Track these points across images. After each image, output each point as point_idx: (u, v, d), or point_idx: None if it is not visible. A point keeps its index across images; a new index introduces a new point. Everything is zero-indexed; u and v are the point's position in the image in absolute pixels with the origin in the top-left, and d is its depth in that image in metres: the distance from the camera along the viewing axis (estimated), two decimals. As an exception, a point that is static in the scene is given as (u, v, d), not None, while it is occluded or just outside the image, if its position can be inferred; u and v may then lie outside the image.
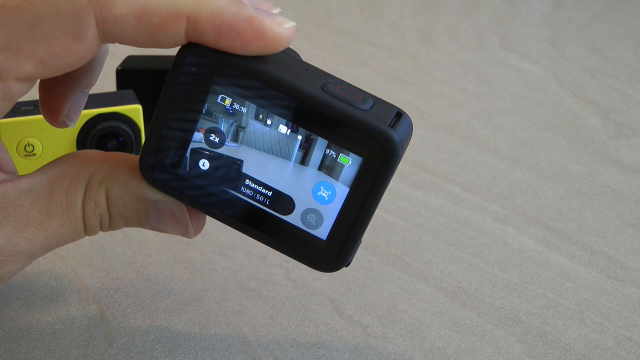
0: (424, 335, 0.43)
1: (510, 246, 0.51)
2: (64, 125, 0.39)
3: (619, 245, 0.51)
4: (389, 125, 0.33)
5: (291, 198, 0.35)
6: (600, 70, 0.80)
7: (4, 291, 0.45)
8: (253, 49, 0.33)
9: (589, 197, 0.57)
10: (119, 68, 0.61)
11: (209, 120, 0.35)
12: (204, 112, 0.34)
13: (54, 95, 0.38)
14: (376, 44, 0.88)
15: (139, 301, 0.45)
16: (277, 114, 0.34)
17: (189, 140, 0.35)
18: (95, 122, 0.54)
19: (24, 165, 0.54)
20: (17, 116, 0.53)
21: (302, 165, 0.35)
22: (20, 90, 0.33)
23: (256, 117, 0.34)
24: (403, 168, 0.61)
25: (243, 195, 0.35)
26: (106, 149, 0.55)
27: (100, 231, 0.36)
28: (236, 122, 0.34)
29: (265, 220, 0.36)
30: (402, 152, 0.34)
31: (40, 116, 0.53)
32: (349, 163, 0.34)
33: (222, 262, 0.49)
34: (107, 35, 0.32)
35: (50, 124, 0.39)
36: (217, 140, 0.35)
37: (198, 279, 0.47)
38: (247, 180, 0.35)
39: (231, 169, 0.35)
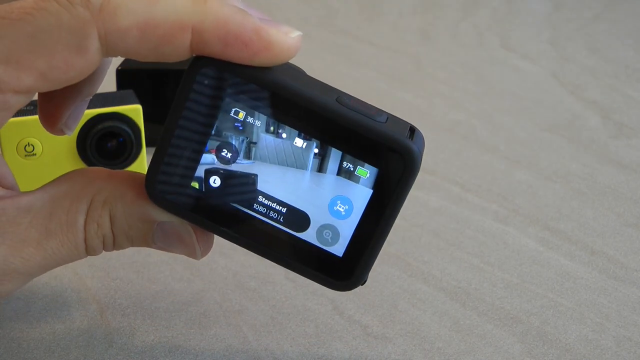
0: (424, 335, 0.43)
1: (510, 246, 0.51)
2: (61, 133, 0.38)
3: (619, 245, 0.52)
4: (407, 137, 0.33)
5: (306, 214, 0.34)
6: (600, 70, 0.80)
7: (4, 291, 0.45)
8: (260, 59, 0.32)
9: (589, 197, 0.57)
10: (119, 68, 0.61)
11: (220, 136, 0.34)
12: (215, 127, 0.33)
13: (54, 103, 0.37)
14: (376, 44, 0.88)
15: (139, 301, 0.45)
16: (292, 126, 0.33)
17: (199, 157, 0.34)
18: (95, 122, 0.54)
19: (24, 165, 0.54)
20: (17, 116, 0.53)
21: (319, 173, 0.33)
22: (18, 102, 0.32)
23: (267, 131, 0.33)
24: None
25: (256, 212, 0.34)
26: (106, 149, 0.55)
27: (103, 251, 0.35)
28: (247, 137, 0.33)
29: (278, 238, 0.34)
30: (419, 165, 0.33)
31: (40, 116, 0.53)
32: (367, 175, 0.33)
33: (222, 262, 0.49)
34: (110, 49, 0.31)
35: (48, 131, 0.38)
36: (229, 156, 0.34)
37: (198, 279, 0.47)
38: (260, 197, 0.34)
39: (244, 185, 0.34)
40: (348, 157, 0.33)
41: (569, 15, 0.96)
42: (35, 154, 0.54)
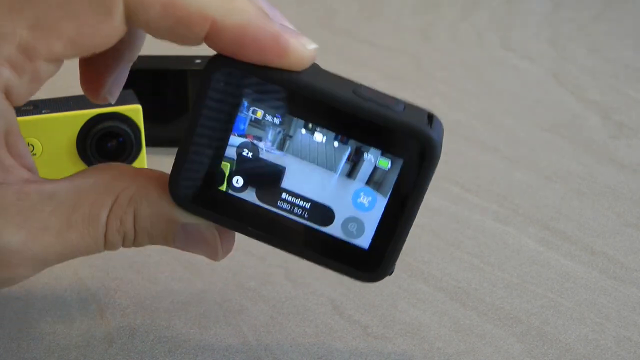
0: (424, 335, 0.43)
1: (510, 246, 0.51)
2: (105, 100, 0.38)
3: (619, 245, 0.51)
4: (425, 124, 0.33)
5: (330, 208, 0.34)
6: (600, 70, 0.80)
7: (3, 291, 0.45)
8: (273, 66, 0.32)
9: (589, 197, 0.57)
10: (119, 68, 0.61)
11: (241, 134, 0.34)
12: (235, 126, 0.34)
13: (95, 71, 0.37)
14: (376, 44, 0.88)
15: (139, 301, 0.45)
16: (309, 121, 0.33)
17: (221, 157, 0.34)
18: (95, 122, 0.54)
19: (24, 165, 0.54)
20: (18, 116, 0.53)
21: (344, 176, 0.34)
22: (48, 71, 0.32)
23: (306, 127, 0.33)
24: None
25: (280, 210, 0.34)
26: (106, 149, 0.55)
27: (122, 247, 0.35)
28: (284, 130, 0.33)
29: (303, 233, 0.35)
30: (440, 151, 0.33)
31: (41, 116, 0.53)
32: (388, 166, 0.33)
33: (222, 262, 0.48)
34: (132, 17, 0.31)
35: (92, 100, 0.38)
36: (250, 155, 0.34)
37: (198, 279, 0.47)
38: (284, 194, 0.34)
39: (268, 184, 0.34)
40: (370, 148, 0.33)
41: (569, 15, 0.96)
42: (35, 154, 0.54)
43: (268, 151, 0.34)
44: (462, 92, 0.75)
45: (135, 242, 0.35)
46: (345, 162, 0.34)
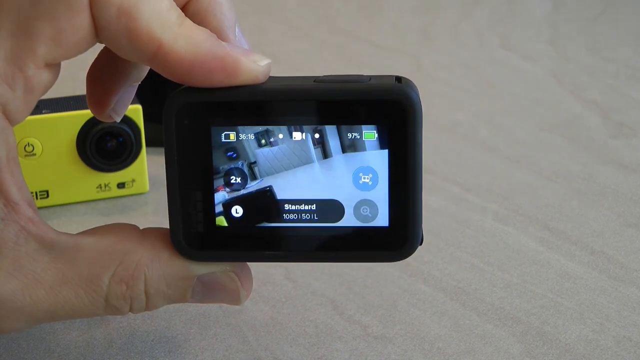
0: (424, 335, 0.43)
1: (510, 246, 0.51)
2: (110, 119, 0.38)
3: (619, 245, 0.51)
4: (394, 84, 0.32)
5: (336, 200, 0.33)
6: (600, 70, 0.80)
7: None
8: (225, 86, 0.32)
9: (589, 197, 0.57)
10: (119, 68, 0.61)
11: (223, 165, 0.33)
12: (214, 158, 0.33)
13: (101, 89, 0.37)
14: (376, 44, 0.88)
15: (139, 301, 0.45)
16: (283, 124, 0.33)
17: (213, 194, 0.33)
18: (95, 122, 0.54)
19: (24, 165, 0.54)
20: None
21: (327, 160, 0.33)
22: (42, 81, 0.31)
23: (260, 145, 0.33)
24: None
25: (288, 222, 0.34)
26: (106, 149, 0.55)
27: (131, 313, 0.34)
28: (245, 160, 0.33)
29: (321, 236, 0.34)
30: (420, 103, 0.32)
31: (41, 116, 0.53)
32: (375, 137, 0.32)
33: (222, 262, 0.49)
34: (94, 14, 0.31)
35: (98, 117, 0.38)
36: (239, 180, 0.33)
37: (198, 279, 0.47)
38: (285, 205, 0.34)
39: (266, 201, 0.33)
40: (349, 127, 0.32)
41: (569, 15, 0.96)
42: (35, 154, 0.54)
43: (248, 186, 0.33)
44: (462, 92, 0.75)
45: (149, 306, 0.34)
46: (315, 147, 0.33)
